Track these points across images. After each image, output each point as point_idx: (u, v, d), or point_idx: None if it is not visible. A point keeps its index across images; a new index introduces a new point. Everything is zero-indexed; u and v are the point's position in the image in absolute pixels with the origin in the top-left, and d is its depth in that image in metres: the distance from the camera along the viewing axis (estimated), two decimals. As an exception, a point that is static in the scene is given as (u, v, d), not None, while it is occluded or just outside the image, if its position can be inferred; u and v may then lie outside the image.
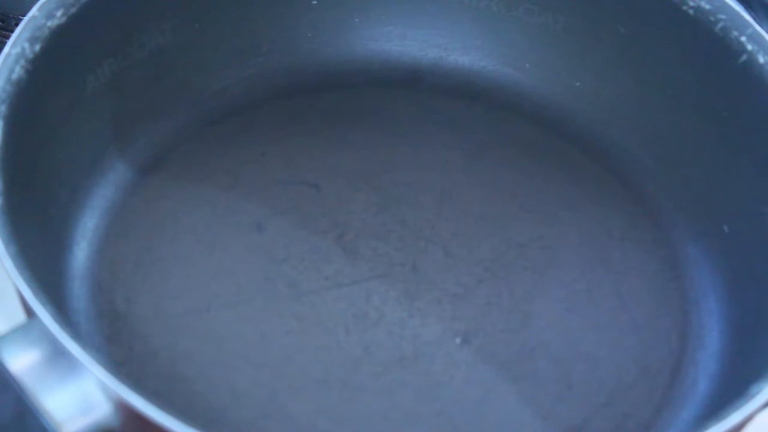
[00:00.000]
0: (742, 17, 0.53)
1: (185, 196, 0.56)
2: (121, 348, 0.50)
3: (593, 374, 0.52)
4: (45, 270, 0.46)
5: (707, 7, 0.54)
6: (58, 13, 0.50)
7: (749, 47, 0.53)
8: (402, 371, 0.51)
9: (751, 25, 0.53)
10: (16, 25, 0.49)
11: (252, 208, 0.56)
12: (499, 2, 0.60)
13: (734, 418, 0.42)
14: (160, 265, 0.53)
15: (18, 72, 0.47)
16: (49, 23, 0.49)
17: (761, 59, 0.52)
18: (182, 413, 0.39)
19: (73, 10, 0.50)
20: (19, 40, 0.48)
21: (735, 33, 0.53)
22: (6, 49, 0.48)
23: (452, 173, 0.58)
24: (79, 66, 0.52)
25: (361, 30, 0.62)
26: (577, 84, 0.61)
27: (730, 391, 0.46)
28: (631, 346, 0.53)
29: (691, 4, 0.54)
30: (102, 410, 0.40)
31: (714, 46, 0.54)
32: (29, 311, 0.41)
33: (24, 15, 0.49)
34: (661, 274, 0.56)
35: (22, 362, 0.40)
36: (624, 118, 0.60)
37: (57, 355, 0.40)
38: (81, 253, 0.53)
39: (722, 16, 0.54)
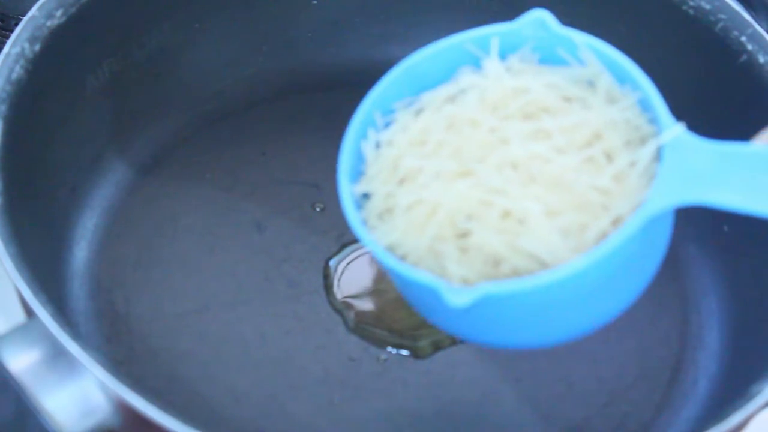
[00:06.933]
0: (742, 17, 0.53)
1: (185, 196, 0.56)
2: (121, 348, 0.50)
3: (593, 374, 0.52)
4: (45, 270, 0.46)
5: (707, 7, 0.54)
6: (58, 13, 0.50)
7: (749, 47, 0.53)
8: (402, 371, 0.51)
9: (751, 25, 0.53)
10: (16, 25, 0.49)
11: (252, 208, 0.56)
12: (499, 2, 0.60)
13: (734, 418, 0.42)
14: (160, 265, 0.53)
15: (18, 72, 0.47)
16: (49, 23, 0.49)
17: (761, 59, 0.52)
18: (182, 413, 0.39)
19: (73, 10, 0.50)
20: (19, 40, 0.48)
21: (735, 33, 0.53)
22: (6, 49, 0.48)
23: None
24: (79, 66, 0.52)
25: (361, 30, 0.62)
26: (577, 84, 0.60)
27: (730, 391, 0.46)
28: (631, 346, 0.53)
29: (691, 4, 0.54)
30: (102, 410, 0.40)
31: (714, 46, 0.54)
32: (29, 311, 0.41)
33: (24, 15, 0.49)
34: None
35: (22, 362, 0.40)
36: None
37: (57, 355, 0.40)
38: (81, 253, 0.53)
39: (722, 16, 0.54)
